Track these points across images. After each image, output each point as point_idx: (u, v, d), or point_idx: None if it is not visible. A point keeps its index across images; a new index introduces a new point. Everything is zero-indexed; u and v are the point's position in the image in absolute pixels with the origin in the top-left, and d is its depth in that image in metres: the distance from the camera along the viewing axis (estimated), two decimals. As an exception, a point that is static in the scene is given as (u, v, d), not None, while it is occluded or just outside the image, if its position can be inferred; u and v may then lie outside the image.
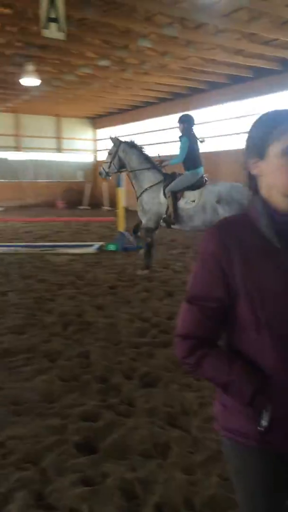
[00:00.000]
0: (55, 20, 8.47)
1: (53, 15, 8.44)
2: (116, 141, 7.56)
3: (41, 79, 14.17)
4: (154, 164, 7.40)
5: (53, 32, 8.53)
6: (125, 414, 3.29)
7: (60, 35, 8.60)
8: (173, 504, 2.38)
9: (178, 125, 7.09)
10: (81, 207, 22.82)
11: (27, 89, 15.75)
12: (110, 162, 7.63)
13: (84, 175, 24.72)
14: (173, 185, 6.94)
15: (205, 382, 3.50)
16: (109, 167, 7.69)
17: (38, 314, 5.61)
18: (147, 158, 7.46)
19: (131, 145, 7.49)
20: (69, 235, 12.70)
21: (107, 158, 7.76)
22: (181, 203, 6.88)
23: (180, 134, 7.05)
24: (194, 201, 6.79)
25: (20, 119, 22.97)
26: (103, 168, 7.79)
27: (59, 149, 24.62)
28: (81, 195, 23.40)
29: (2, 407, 3.35)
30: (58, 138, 24.50)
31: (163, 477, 2.58)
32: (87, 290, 6.71)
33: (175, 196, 6.87)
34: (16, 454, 2.78)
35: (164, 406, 3.38)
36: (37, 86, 14.53)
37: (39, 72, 13.74)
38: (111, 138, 7.69)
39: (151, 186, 7.18)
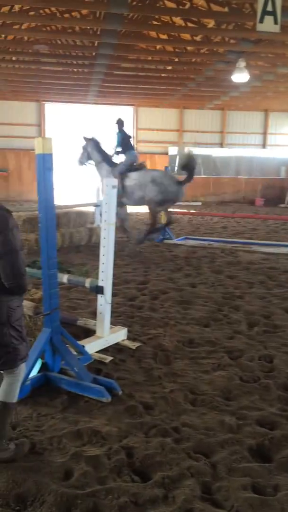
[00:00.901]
0: (271, 13, 8.31)
1: (269, 8, 8.29)
2: (86, 139, 9.57)
3: (252, 74, 14.04)
4: (108, 157, 9.38)
5: (268, 25, 8.37)
6: (307, 430, 3.04)
7: (275, 28, 8.40)
8: None
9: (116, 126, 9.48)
10: (282, 206, 22.00)
11: (236, 86, 15.83)
12: (81, 156, 9.67)
13: (288, 172, 23.74)
14: (119, 168, 9.11)
15: None
16: (81, 159, 9.71)
17: (224, 310, 5.62)
18: (101, 152, 9.40)
19: (94, 142, 9.48)
20: (265, 234, 12.39)
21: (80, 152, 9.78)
22: (127, 181, 8.96)
23: (117, 131, 9.43)
24: (135, 179, 8.88)
25: (227, 116, 23.26)
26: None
27: (263, 145, 24.15)
28: (282, 193, 22.56)
29: (180, 393, 3.46)
30: (264, 133, 24.03)
31: None
32: (278, 292, 6.43)
33: (122, 176, 8.90)
34: (189, 442, 2.83)
35: None
36: (247, 82, 14.46)
37: (250, 67, 13.64)
38: (84, 137, 9.60)
39: (107, 175, 9.07)
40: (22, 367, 2.69)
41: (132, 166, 9.17)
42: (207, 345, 4.48)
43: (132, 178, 8.93)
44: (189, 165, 8.72)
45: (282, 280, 7.14)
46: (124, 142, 9.39)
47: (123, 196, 8.91)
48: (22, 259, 2.50)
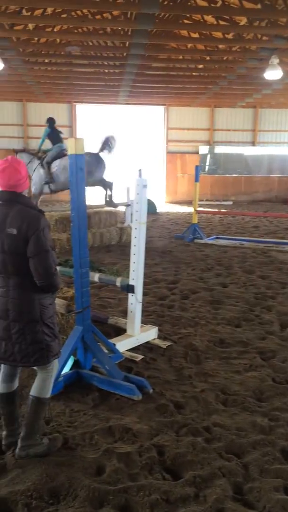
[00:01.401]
0: (306, 7, 8.14)
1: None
2: (18, 151, 11.24)
3: (285, 71, 13.79)
4: (37, 153, 10.82)
5: (303, 20, 8.21)
6: None
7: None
8: None
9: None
10: None
11: (269, 83, 15.58)
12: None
13: None
14: (46, 159, 10.41)
15: None
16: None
17: (256, 310, 5.55)
18: (30, 152, 11.14)
19: (24, 150, 11.50)
20: (298, 233, 12.16)
21: None
22: (52, 168, 10.26)
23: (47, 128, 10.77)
24: (58, 165, 10.17)
25: (259, 114, 22.93)
26: None
27: (297, 143, 23.70)
28: None
29: (211, 393, 3.44)
30: (298, 131, 23.57)
31: None
32: (312, 293, 6.31)
33: (49, 165, 10.30)
34: (220, 442, 2.82)
35: None
36: (279, 79, 14.21)
37: (283, 64, 13.40)
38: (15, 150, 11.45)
39: (34, 169, 10.51)
40: (55, 364, 2.74)
41: (59, 156, 10.37)
42: (238, 345, 4.44)
43: (56, 165, 10.19)
44: (107, 142, 9.86)
45: (316, 280, 6.99)
46: (52, 137, 10.72)
47: (51, 182, 10.31)
48: (53, 258, 2.54)
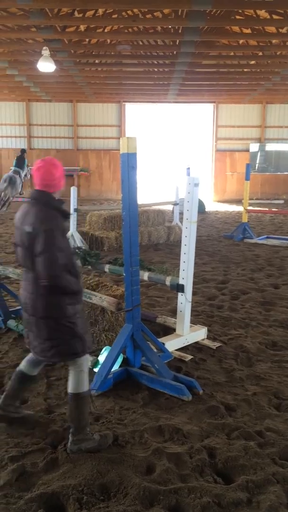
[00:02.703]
0: None
1: None
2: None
3: None
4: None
5: None
6: None
7: None
8: None
9: None
10: None
11: None
12: None
13: None
14: None
15: None
16: None
17: (310, 312, 5.36)
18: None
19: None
20: None
21: None
22: None
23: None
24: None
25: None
26: None
27: None
28: None
29: (264, 397, 3.35)
30: None
31: None
32: None
33: None
34: (274, 447, 2.73)
35: None
36: None
37: None
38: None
39: None
40: (85, 359, 2.75)
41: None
42: (291, 348, 4.30)
43: None
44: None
45: None
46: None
47: None
48: (63, 260, 2.53)
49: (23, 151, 14.92)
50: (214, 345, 4.31)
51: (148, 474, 2.53)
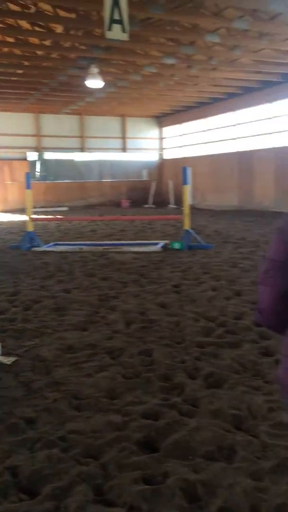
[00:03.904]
0: (118, 21, 8.52)
1: (116, 17, 8.49)
2: None
3: (106, 81, 14.37)
4: None
5: (116, 33, 8.60)
6: (188, 414, 3.17)
7: (123, 36, 8.65)
8: (239, 510, 2.25)
9: None
10: (147, 206, 22.92)
11: (91, 91, 16.05)
12: None
13: (149, 174, 24.85)
14: None
15: (277, 385, 3.32)
16: None
17: (101, 312, 5.63)
18: None
19: None
20: (133, 234, 12.77)
21: None
22: None
23: None
24: None
25: (85, 121, 23.49)
26: None
27: (123, 149, 24.92)
28: (146, 194, 23.54)
29: (64, 401, 3.37)
30: (123, 138, 24.80)
31: (227, 481, 2.44)
32: (151, 289, 6.65)
33: None
34: (77, 448, 2.76)
35: (230, 409, 3.22)
36: (101, 88, 14.74)
37: (104, 74, 13.95)
38: None
39: None
40: None
41: None
42: (87, 348, 4.43)
43: None
44: None
45: (153, 276, 7.41)
46: None
47: None
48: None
49: None
50: (8, 360, 4.14)
51: None
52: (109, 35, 8.54)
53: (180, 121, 23.78)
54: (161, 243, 10.34)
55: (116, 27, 8.50)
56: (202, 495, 2.36)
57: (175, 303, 5.91)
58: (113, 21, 8.39)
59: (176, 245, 9.95)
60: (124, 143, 24.84)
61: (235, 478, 2.46)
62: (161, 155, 25.85)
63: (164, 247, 10.01)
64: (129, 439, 2.84)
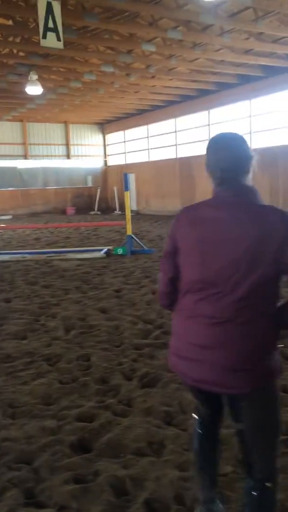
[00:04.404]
0: (53, 30, 8.56)
1: (51, 25, 8.53)
2: None
3: (46, 87, 14.34)
4: None
5: (51, 41, 8.63)
6: (122, 414, 3.29)
7: (58, 44, 8.70)
8: (164, 500, 2.38)
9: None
10: (92, 213, 22.95)
11: (32, 98, 15.94)
12: None
13: (94, 181, 24.89)
14: None
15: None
16: None
17: (41, 319, 5.65)
18: None
19: None
20: (78, 241, 12.79)
21: None
22: None
23: None
24: None
25: (27, 128, 23.22)
26: None
27: (67, 156, 24.83)
28: (91, 201, 23.56)
29: (-1, 410, 3.39)
30: (67, 144, 24.71)
31: (155, 474, 2.58)
32: (93, 294, 6.74)
33: None
34: (9, 455, 2.80)
35: (162, 405, 3.38)
36: (42, 94, 14.69)
37: (44, 80, 13.92)
38: None
39: None
40: None
41: None
42: (25, 357, 4.45)
43: None
44: None
45: (96, 282, 7.50)
46: None
47: None
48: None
49: None
50: None
51: None
52: (44, 43, 8.56)
53: (123, 128, 24.04)
54: (105, 249, 10.43)
55: (51, 35, 8.54)
56: (131, 489, 2.48)
57: (115, 307, 6.02)
58: (47, 29, 8.42)
59: (119, 251, 10.08)
60: (68, 150, 24.76)
61: (163, 471, 2.61)
62: (105, 161, 25.99)
63: (108, 253, 10.11)
64: (62, 443, 2.91)
